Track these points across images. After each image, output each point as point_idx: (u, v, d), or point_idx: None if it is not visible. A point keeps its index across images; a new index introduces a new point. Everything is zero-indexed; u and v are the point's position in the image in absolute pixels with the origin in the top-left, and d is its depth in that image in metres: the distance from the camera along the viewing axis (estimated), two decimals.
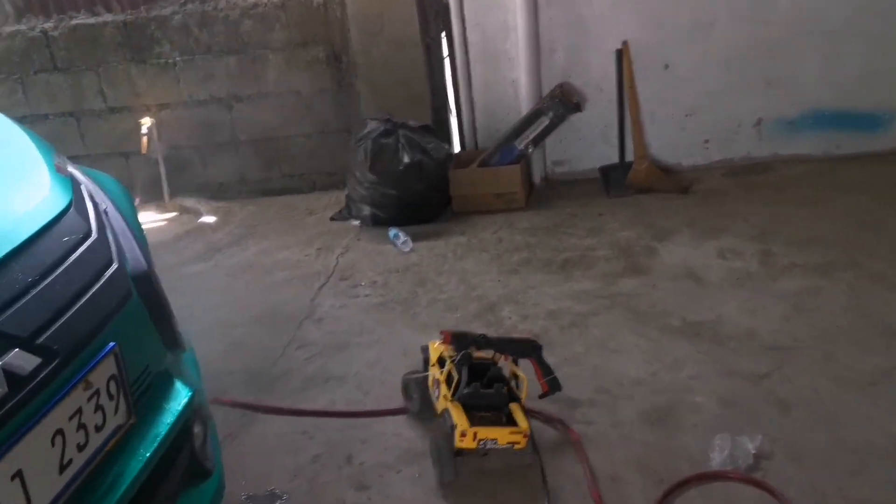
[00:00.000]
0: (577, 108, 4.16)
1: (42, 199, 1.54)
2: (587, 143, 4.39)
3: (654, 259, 3.40)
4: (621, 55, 4.15)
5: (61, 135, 4.75)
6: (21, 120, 4.98)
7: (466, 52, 4.24)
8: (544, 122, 4.09)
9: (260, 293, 3.55)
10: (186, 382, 1.77)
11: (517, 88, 4.26)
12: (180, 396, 1.71)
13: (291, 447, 2.42)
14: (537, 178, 4.41)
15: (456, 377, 2.22)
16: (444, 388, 2.24)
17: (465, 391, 2.18)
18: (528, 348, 2.34)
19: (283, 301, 3.42)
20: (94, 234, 1.56)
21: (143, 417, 1.56)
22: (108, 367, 1.42)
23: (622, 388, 2.51)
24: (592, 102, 4.30)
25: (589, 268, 3.38)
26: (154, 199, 4.92)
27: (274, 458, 2.38)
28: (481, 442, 2.11)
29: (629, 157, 4.28)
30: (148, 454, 1.53)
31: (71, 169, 1.80)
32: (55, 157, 1.78)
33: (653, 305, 3.00)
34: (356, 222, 4.18)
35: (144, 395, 1.59)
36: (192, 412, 1.78)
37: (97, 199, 1.77)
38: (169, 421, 1.64)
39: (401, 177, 3.92)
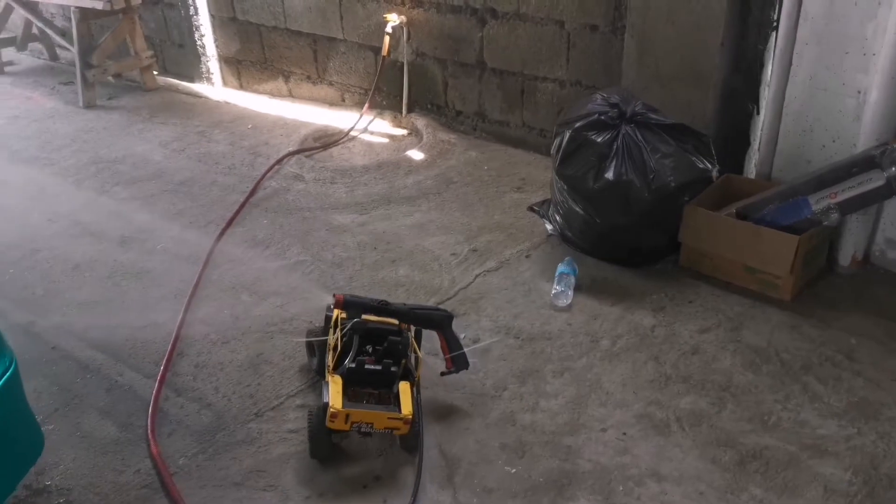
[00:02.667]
0: None
1: None
2: None
3: None
4: None
5: (327, 12, 4.26)
6: None
7: (796, 23, 2.54)
8: (876, 181, 2.32)
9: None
10: None
11: (862, 106, 2.48)
12: None
13: None
14: (846, 256, 2.65)
15: (339, 348, 2.02)
16: (330, 356, 2.04)
17: (350, 365, 1.97)
18: (435, 319, 2.15)
19: None
20: None
21: None
22: None
23: None
24: None
25: (785, 492, 1.85)
26: (394, 108, 4.26)
27: None
28: (355, 425, 1.89)
29: None
30: None
31: None
32: None
33: None
34: (549, 227, 3.01)
35: None
36: None
37: None
38: None
39: (595, 196, 2.61)
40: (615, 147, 2.56)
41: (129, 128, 4.50)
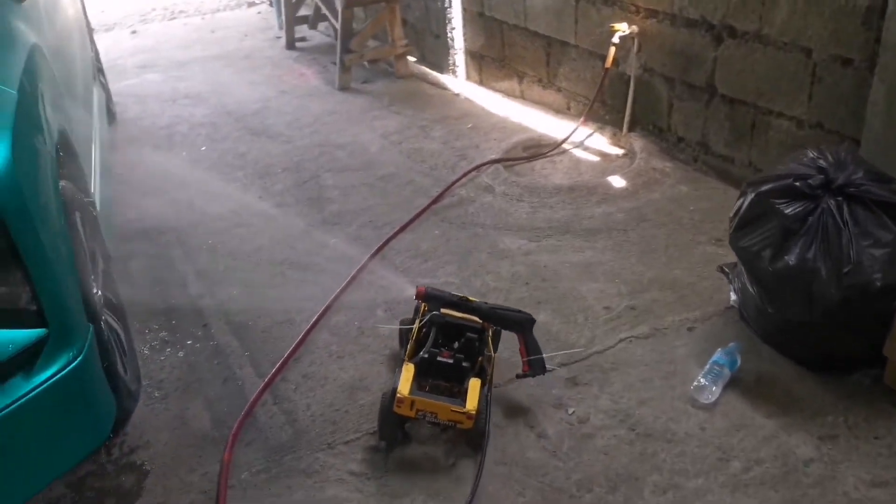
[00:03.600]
0: None
1: None
2: None
3: None
4: None
5: (562, 14, 4.02)
6: None
7: None
8: None
9: None
10: None
11: None
12: None
13: None
14: None
15: (412, 337, 2.15)
16: (411, 344, 2.15)
17: (423, 355, 2.05)
18: (516, 320, 2.16)
19: None
20: None
21: None
22: None
23: None
24: None
25: None
26: (615, 124, 3.90)
27: None
28: (419, 413, 1.96)
29: None
30: None
31: None
32: None
33: None
34: (734, 297, 2.51)
35: None
36: None
37: None
38: None
39: (769, 281, 2.08)
40: (808, 223, 2.02)
41: (366, 114, 4.72)
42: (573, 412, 2.14)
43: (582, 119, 3.94)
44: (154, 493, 2.01)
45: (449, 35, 5.12)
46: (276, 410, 2.26)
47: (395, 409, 1.95)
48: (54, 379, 1.68)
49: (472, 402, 1.94)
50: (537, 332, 2.20)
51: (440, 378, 2.03)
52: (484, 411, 1.98)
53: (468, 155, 3.95)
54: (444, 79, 5.22)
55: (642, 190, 3.37)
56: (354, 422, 2.19)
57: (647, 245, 2.96)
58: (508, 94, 4.74)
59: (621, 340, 2.43)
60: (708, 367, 2.19)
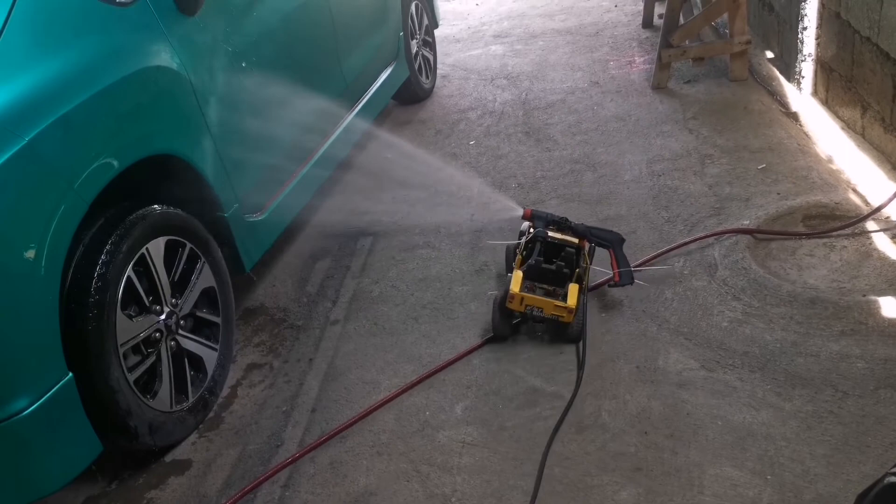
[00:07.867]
0: None
1: None
2: None
3: None
4: None
5: None
6: None
7: None
8: None
9: None
10: None
11: None
12: None
13: None
14: None
15: (520, 251, 2.55)
16: (518, 257, 2.54)
17: (530, 262, 2.45)
18: (609, 239, 2.57)
19: None
20: None
21: None
22: None
23: None
24: None
25: None
26: None
27: None
28: (528, 307, 2.36)
29: None
30: None
31: None
32: None
33: None
34: None
35: None
36: None
37: None
38: None
39: None
40: None
41: (656, 126, 3.99)
42: None
43: None
44: None
45: (799, 35, 3.97)
46: (277, 497, 2.07)
47: (508, 304, 2.36)
48: None
49: (572, 300, 2.35)
50: None
51: (544, 283, 2.44)
52: (582, 310, 2.37)
53: (726, 210, 3.05)
54: (788, 89, 4.11)
55: None
56: None
57: (861, 434, 1.91)
58: (849, 125, 3.51)
59: None
60: None
